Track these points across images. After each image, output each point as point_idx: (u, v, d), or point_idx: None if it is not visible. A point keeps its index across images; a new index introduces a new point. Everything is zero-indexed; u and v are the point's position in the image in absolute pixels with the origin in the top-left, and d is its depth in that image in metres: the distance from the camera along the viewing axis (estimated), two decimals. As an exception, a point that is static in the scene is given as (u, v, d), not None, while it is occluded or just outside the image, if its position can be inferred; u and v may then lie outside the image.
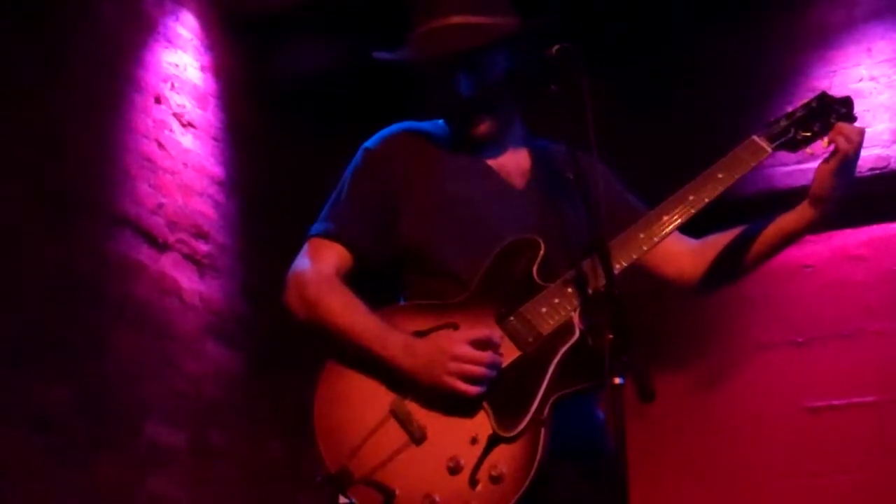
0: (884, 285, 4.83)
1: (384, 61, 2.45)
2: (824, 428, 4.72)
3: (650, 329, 4.62)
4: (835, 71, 4.95)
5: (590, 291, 2.18)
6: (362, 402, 2.19)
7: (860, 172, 4.67)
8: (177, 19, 4.98)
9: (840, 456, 4.65)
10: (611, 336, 1.92)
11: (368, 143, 2.46)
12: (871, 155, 4.75)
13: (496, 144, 2.44)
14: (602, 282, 2.12)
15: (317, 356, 2.31)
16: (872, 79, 4.87)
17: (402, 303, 2.36)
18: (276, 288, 2.40)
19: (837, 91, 4.78)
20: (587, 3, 4.84)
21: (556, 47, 2.17)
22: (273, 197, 5.39)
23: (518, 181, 2.42)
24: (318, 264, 2.34)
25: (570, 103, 2.09)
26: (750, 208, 4.84)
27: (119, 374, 4.25)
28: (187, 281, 4.72)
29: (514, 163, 2.44)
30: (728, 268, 2.43)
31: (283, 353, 5.17)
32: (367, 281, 2.38)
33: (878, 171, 4.76)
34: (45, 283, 3.99)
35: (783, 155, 2.42)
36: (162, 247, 4.61)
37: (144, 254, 4.50)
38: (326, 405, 2.22)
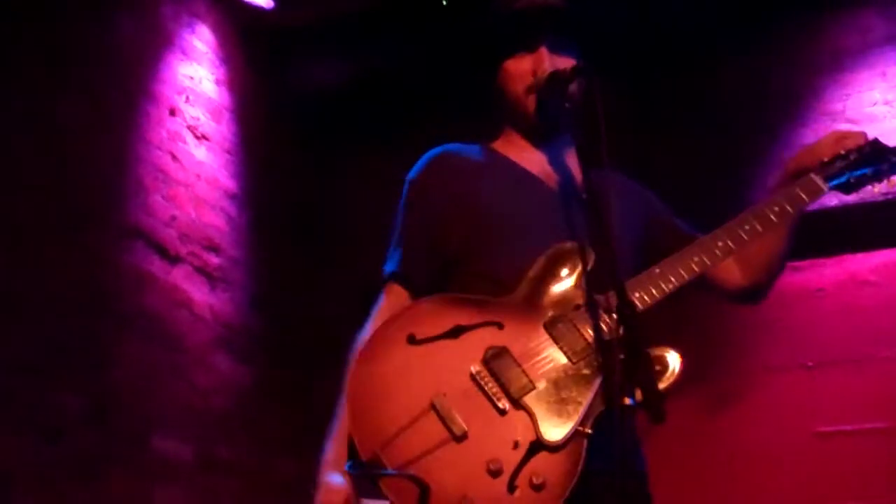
0: (894, 310, 4.81)
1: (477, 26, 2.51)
2: (834, 453, 4.70)
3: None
4: (849, 94, 4.95)
5: (648, 301, 2.21)
6: (401, 393, 2.12)
7: (872, 198, 4.74)
8: (193, 32, 5.01)
9: (850, 481, 4.62)
10: (622, 356, 1.91)
11: (411, 174, 2.50)
12: (884, 180, 4.73)
13: (547, 150, 2.46)
14: (653, 294, 2.18)
15: (325, 372, 2.30)
16: (886, 103, 4.87)
17: (448, 294, 2.32)
18: (286, 302, 2.41)
19: (851, 114, 4.86)
20: (602, 24, 4.85)
21: (571, 66, 2.19)
22: (285, 211, 5.40)
23: (567, 189, 2.42)
24: (387, 311, 2.37)
25: (584, 122, 2.10)
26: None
27: (129, 386, 4.25)
28: (198, 293, 4.73)
29: (563, 171, 2.45)
30: (766, 260, 2.46)
31: (293, 367, 5.17)
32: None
33: (890, 197, 4.74)
34: (56, 293, 3.99)
35: (880, 188, 2.48)
36: (174, 259, 4.62)
37: (156, 266, 4.51)
38: (363, 392, 2.14)
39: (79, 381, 4.01)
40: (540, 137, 2.48)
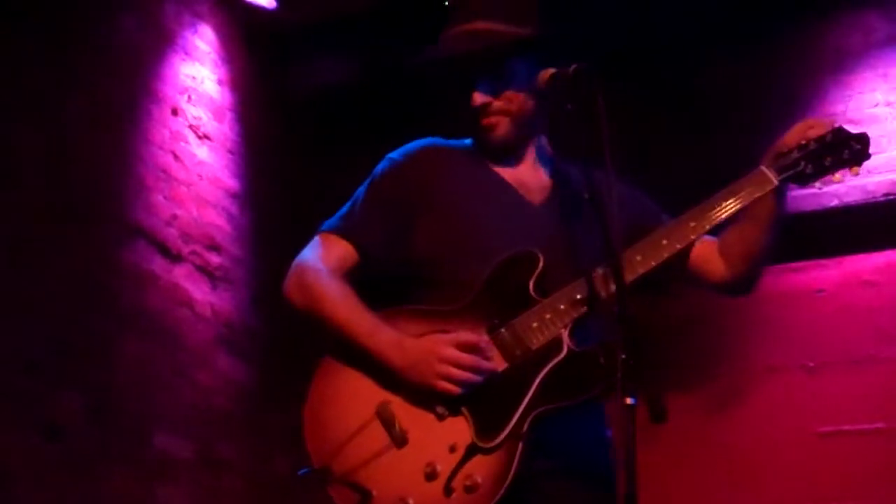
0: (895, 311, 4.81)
1: (413, 64, 2.53)
2: (834, 453, 4.69)
3: (661, 351, 4.62)
4: (850, 95, 4.95)
5: (585, 310, 2.20)
6: (350, 402, 2.24)
7: (874, 198, 4.75)
8: (195, 32, 5.01)
9: (850, 482, 4.62)
10: (623, 356, 1.91)
11: (393, 153, 2.50)
12: (885, 180, 4.74)
13: (516, 158, 2.46)
14: (603, 302, 2.18)
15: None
16: (888, 104, 4.86)
17: (402, 306, 2.37)
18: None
19: (853, 115, 4.86)
20: (603, 23, 4.86)
21: (573, 67, 2.19)
22: (287, 210, 5.40)
23: (536, 198, 2.44)
24: (322, 256, 2.38)
25: (586, 122, 2.11)
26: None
27: (130, 385, 4.26)
28: (200, 293, 4.73)
29: (534, 180, 2.46)
30: (744, 251, 2.40)
31: (294, 366, 5.17)
32: (371, 287, 2.41)
33: (892, 197, 4.75)
34: (58, 291, 4.00)
35: (841, 176, 2.41)
36: (175, 258, 4.62)
37: (158, 265, 4.51)
38: (318, 401, 2.28)
39: (80, 379, 4.02)
40: (505, 153, 2.47)
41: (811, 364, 4.88)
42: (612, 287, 2.16)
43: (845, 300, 4.89)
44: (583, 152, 2.20)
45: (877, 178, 4.76)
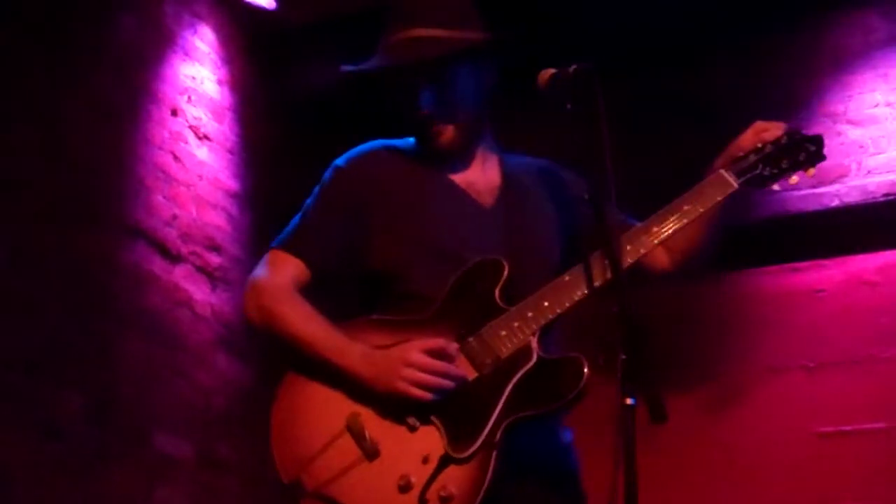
0: (896, 311, 4.81)
1: (349, 73, 2.48)
2: (834, 454, 4.69)
3: (661, 351, 4.61)
4: (850, 96, 4.95)
5: (557, 311, 2.20)
6: (319, 415, 2.20)
7: (875, 198, 4.75)
8: (195, 33, 5.01)
9: (851, 482, 4.62)
10: (623, 356, 1.90)
11: (339, 161, 2.47)
12: (885, 181, 4.73)
13: (465, 161, 2.43)
14: (565, 303, 2.18)
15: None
16: (888, 104, 4.86)
17: (365, 317, 2.35)
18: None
19: (853, 115, 4.86)
20: (599, 20, 4.86)
21: (573, 67, 2.18)
22: (287, 211, 5.32)
23: (487, 199, 2.41)
24: (275, 275, 2.36)
25: (586, 123, 2.10)
26: (765, 232, 4.88)
27: (129, 385, 4.26)
28: (199, 293, 4.73)
29: (483, 180, 2.43)
30: (686, 247, 2.42)
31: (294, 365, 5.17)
32: (329, 296, 2.38)
33: (892, 197, 4.75)
34: (57, 292, 4.00)
35: (798, 178, 2.41)
36: (175, 258, 4.62)
37: (157, 265, 4.51)
38: (284, 415, 2.22)
39: (80, 379, 4.02)
40: (453, 157, 2.45)
41: (811, 364, 4.88)
42: (582, 291, 2.19)
43: (846, 300, 4.89)
44: (582, 152, 2.19)
45: (877, 179, 4.75)
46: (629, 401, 1.87)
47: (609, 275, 2.17)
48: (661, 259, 2.43)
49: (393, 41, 2.39)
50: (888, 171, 4.73)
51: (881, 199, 4.76)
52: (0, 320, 3.74)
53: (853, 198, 4.79)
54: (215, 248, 4.89)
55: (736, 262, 5.01)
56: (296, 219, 2.44)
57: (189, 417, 4.55)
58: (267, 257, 2.42)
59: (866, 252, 4.86)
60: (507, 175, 2.46)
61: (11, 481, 3.67)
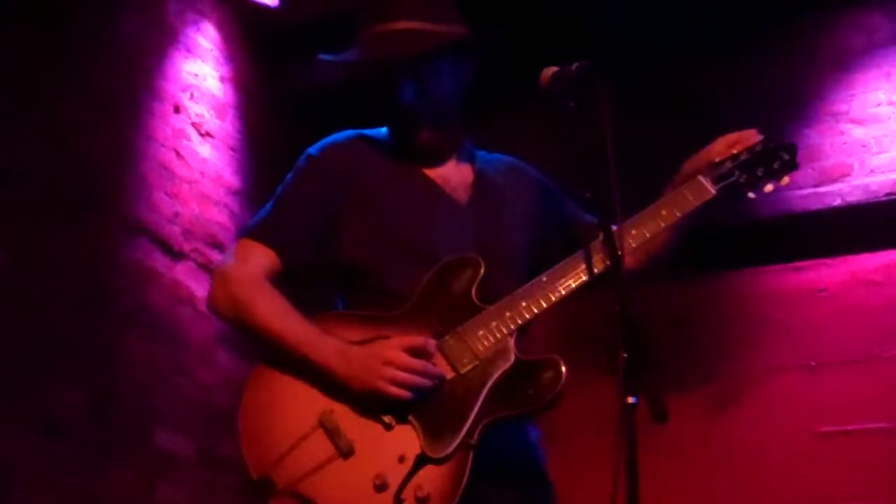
0: (898, 311, 4.81)
1: (328, 63, 2.42)
2: (836, 453, 4.69)
3: (661, 350, 4.61)
4: (853, 95, 4.94)
5: (535, 312, 2.19)
6: (290, 410, 2.14)
7: (877, 198, 4.75)
8: (198, 30, 5.01)
9: (852, 482, 4.62)
10: (625, 355, 1.90)
11: (312, 150, 2.42)
12: (888, 180, 4.73)
13: (440, 156, 2.41)
14: (542, 304, 2.17)
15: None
16: (891, 103, 4.86)
17: (337, 311, 2.32)
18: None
19: (856, 115, 4.86)
20: (602, 19, 4.86)
21: (575, 65, 2.17)
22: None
23: (461, 195, 2.39)
24: (246, 265, 2.27)
25: (588, 120, 2.09)
26: (767, 231, 4.88)
27: (131, 382, 4.26)
28: (201, 290, 4.73)
29: (458, 176, 2.41)
30: (657, 250, 2.42)
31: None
32: (302, 289, 2.32)
33: (894, 197, 4.75)
34: (59, 288, 4.00)
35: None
36: (177, 255, 4.62)
37: (159, 262, 4.51)
38: (253, 410, 2.16)
39: (81, 376, 4.02)
40: (429, 152, 2.42)
41: (813, 364, 4.88)
42: (560, 292, 2.18)
43: (847, 300, 4.89)
44: (584, 150, 2.19)
45: (879, 178, 4.75)
46: (630, 400, 1.86)
47: (585, 276, 2.19)
48: (626, 259, 2.43)
49: (375, 33, 2.35)
50: (891, 171, 4.72)
51: (883, 198, 4.75)
52: (1, 317, 3.74)
53: (855, 197, 4.79)
54: (217, 245, 4.89)
55: (738, 262, 5.02)
56: (266, 207, 2.36)
57: (190, 415, 4.55)
58: (236, 246, 2.32)
59: (868, 251, 4.86)
60: (479, 172, 2.44)
61: (13, 478, 3.67)
